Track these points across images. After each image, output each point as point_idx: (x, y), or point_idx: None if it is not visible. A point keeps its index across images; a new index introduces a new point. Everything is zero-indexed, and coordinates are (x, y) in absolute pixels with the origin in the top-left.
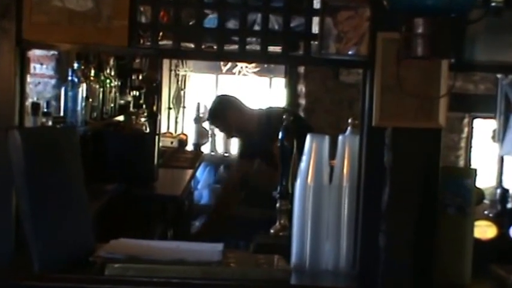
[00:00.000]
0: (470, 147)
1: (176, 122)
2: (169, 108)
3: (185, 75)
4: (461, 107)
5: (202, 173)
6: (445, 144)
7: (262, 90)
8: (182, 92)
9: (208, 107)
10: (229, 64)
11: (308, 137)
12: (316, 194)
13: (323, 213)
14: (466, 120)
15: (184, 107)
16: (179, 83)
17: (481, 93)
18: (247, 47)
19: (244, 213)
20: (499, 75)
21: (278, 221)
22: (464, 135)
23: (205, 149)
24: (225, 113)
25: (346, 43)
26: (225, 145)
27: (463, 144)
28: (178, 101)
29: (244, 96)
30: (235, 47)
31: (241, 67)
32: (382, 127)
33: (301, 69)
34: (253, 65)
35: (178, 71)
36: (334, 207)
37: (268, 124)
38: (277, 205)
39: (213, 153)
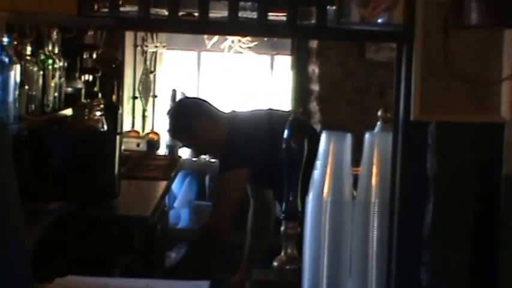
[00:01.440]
0: None
1: (144, 117)
2: (135, 98)
3: (156, 53)
4: None
5: (180, 186)
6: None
7: (261, 73)
8: (152, 76)
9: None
10: (216, 37)
11: (323, 136)
12: (335, 214)
13: (344, 239)
14: None
15: (154, 96)
16: (148, 63)
17: None
18: (240, 13)
19: (237, 238)
20: None
21: (283, 250)
22: None
23: (184, 153)
24: (190, 122)
25: (375, 8)
26: None
27: None
28: (146, 87)
29: (236, 81)
30: (224, 13)
31: (232, 41)
32: (423, 122)
33: (314, 43)
34: (248, 38)
35: (147, 46)
36: (360, 231)
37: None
38: (282, 228)
39: (194, 159)
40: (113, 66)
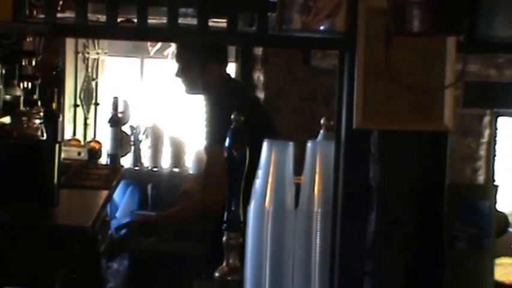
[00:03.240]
0: (494, 156)
1: (86, 125)
2: (76, 106)
3: (97, 60)
4: (481, 101)
5: (122, 196)
6: (458, 153)
7: None
8: (94, 83)
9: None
10: (160, 44)
11: (265, 144)
12: (277, 223)
13: (287, 249)
14: (486, 119)
15: (96, 104)
16: (89, 70)
17: (507, 81)
18: (182, 20)
19: (177, 249)
20: None
21: (225, 260)
22: (485, 139)
23: (126, 161)
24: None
25: (317, 14)
26: (154, 156)
27: (483, 152)
28: (88, 95)
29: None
30: (164, 20)
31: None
32: (366, 130)
33: (259, 50)
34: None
35: (88, 53)
36: (302, 241)
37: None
38: (224, 238)
39: (136, 168)
40: (53, 73)
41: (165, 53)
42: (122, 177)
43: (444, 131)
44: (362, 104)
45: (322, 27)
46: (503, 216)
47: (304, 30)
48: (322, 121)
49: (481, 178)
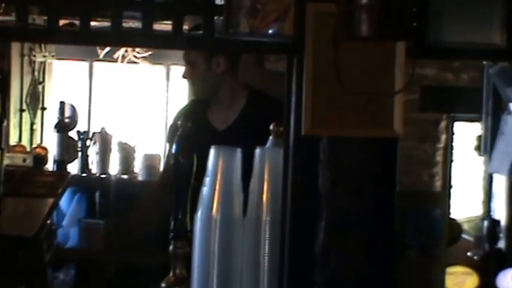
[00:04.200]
0: (451, 161)
1: (32, 131)
2: (22, 111)
3: (44, 63)
4: (437, 106)
5: (68, 203)
6: (414, 159)
7: (156, 84)
8: (40, 87)
9: None
10: (109, 47)
11: (212, 152)
12: (225, 232)
13: (235, 258)
14: (443, 124)
15: (43, 109)
16: (36, 73)
17: (463, 85)
18: (126, 24)
19: (125, 258)
20: (484, 62)
21: (172, 270)
22: (442, 144)
23: (73, 168)
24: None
25: (264, 18)
26: (102, 162)
27: (439, 157)
28: (34, 99)
29: (131, 92)
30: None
31: (126, 50)
32: (315, 136)
33: None
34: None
35: (35, 56)
36: (250, 250)
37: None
38: (171, 248)
39: (84, 175)
40: None
41: (115, 56)
42: (69, 184)
43: (394, 138)
44: (311, 110)
45: (270, 31)
46: (456, 224)
47: (252, 34)
48: (271, 127)
49: (438, 184)
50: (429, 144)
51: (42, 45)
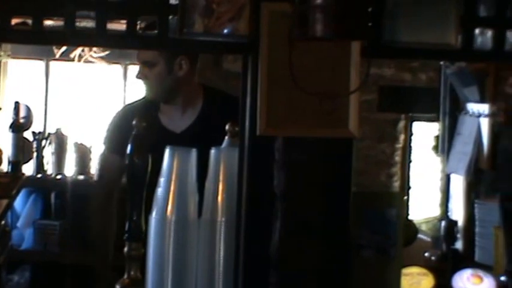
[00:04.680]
0: (409, 162)
1: None
2: None
3: (0, 62)
4: (395, 106)
5: (23, 204)
6: (373, 159)
7: (113, 84)
8: None
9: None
10: (65, 46)
11: (167, 152)
12: (180, 233)
13: (190, 260)
14: (401, 124)
15: None
16: None
17: (422, 85)
18: (79, 23)
19: (75, 259)
20: (442, 62)
21: (126, 272)
22: (400, 144)
23: (28, 169)
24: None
25: (219, 18)
26: (57, 163)
27: (398, 158)
28: None
29: (88, 92)
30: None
31: (83, 50)
32: (270, 137)
33: None
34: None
35: None
36: (206, 251)
37: None
38: (126, 250)
39: (39, 176)
40: None
41: (72, 55)
42: (23, 185)
43: (349, 138)
44: (265, 110)
45: (225, 31)
46: (412, 225)
47: (207, 34)
48: (227, 127)
49: (396, 184)
50: (387, 144)
51: None
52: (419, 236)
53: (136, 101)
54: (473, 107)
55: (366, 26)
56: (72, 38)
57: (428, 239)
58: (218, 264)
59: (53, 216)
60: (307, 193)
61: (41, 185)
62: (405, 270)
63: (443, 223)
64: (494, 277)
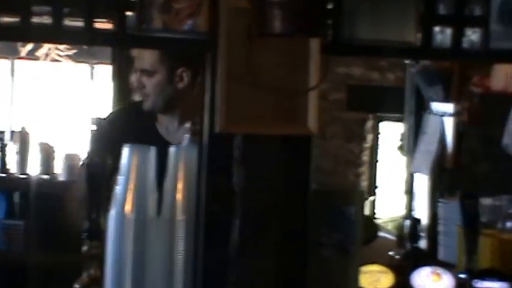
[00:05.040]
0: (377, 161)
1: None
2: None
3: None
4: (363, 105)
5: None
6: (341, 158)
7: (80, 83)
8: None
9: None
10: (32, 45)
11: (126, 150)
12: (139, 232)
13: (149, 258)
14: (369, 124)
15: None
16: None
17: (390, 85)
18: (37, 19)
19: (43, 259)
20: (407, 61)
21: (86, 271)
22: (368, 144)
23: None
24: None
25: (178, 14)
26: (21, 162)
27: (366, 157)
28: None
29: (54, 91)
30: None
31: (49, 49)
32: (229, 134)
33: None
34: (67, 46)
35: None
36: (165, 250)
37: None
38: (85, 248)
39: (3, 175)
40: None
41: (38, 54)
42: None
43: (308, 136)
44: (225, 108)
45: (186, 27)
46: (372, 223)
47: (166, 30)
48: (187, 125)
49: (364, 184)
50: (355, 143)
51: None
52: (385, 235)
53: (130, 105)
54: (437, 106)
55: (323, 23)
56: (26, 34)
57: (394, 238)
58: (177, 262)
59: (17, 216)
60: (266, 191)
61: (5, 185)
62: (365, 268)
63: (407, 222)
64: (453, 275)
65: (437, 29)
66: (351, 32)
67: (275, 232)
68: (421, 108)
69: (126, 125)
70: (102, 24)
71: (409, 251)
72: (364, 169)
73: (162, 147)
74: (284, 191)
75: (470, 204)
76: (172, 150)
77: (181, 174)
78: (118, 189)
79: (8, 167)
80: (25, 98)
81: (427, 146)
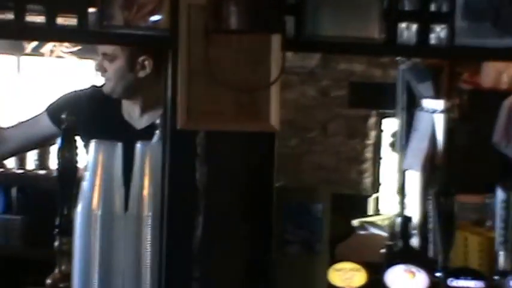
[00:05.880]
0: (380, 158)
1: None
2: None
3: None
4: (366, 102)
5: None
6: (343, 155)
7: (86, 79)
8: None
9: None
10: (37, 42)
11: (92, 145)
12: (106, 227)
13: (116, 254)
14: (372, 120)
15: None
16: None
17: (392, 81)
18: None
19: (38, 255)
20: (398, 58)
21: (58, 267)
22: (371, 141)
23: None
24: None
25: (139, 10)
26: (19, 157)
27: (369, 154)
28: None
29: (60, 87)
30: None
31: (54, 45)
32: (192, 131)
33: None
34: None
35: None
36: (133, 246)
37: None
38: (56, 244)
39: (1, 170)
40: None
41: (43, 51)
42: None
43: (271, 132)
44: (185, 104)
45: (146, 24)
46: (345, 221)
47: (127, 27)
48: (157, 121)
49: (367, 181)
50: (358, 140)
51: None
52: (381, 232)
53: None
54: (428, 103)
55: (280, 19)
56: None
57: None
58: (144, 259)
59: (14, 211)
60: (230, 187)
61: (2, 180)
62: (337, 266)
63: (398, 220)
64: (427, 273)
65: (404, 25)
66: (313, 28)
67: (240, 229)
68: (413, 105)
69: (90, 107)
70: (66, 20)
71: (401, 250)
72: (368, 166)
73: (125, 131)
74: (248, 187)
75: (445, 201)
76: (138, 146)
77: (147, 170)
78: (84, 184)
79: (5, 162)
80: (32, 94)
81: (419, 143)
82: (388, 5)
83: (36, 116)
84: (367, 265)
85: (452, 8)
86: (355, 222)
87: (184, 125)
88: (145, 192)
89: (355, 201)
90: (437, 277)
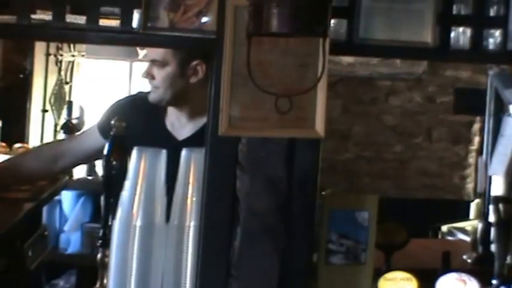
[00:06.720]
0: None
1: (56, 131)
2: (45, 111)
3: (72, 62)
4: (470, 108)
5: (72, 207)
6: (446, 161)
7: None
8: (67, 87)
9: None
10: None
11: (134, 152)
12: (145, 239)
13: (155, 267)
14: (476, 126)
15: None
16: (62, 73)
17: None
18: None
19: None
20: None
21: (99, 279)
22: (475, 146)
23: (79, 171)
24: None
25: (186, 12)
26: None
27: (472, 159)
28: (59, 100)
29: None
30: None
31: None
32: (233, 137)
33: None
34: None
35: (62, 55)
36: (173, 259)
37: None
38: (99, 256)
39: (90, 178)
40: (21, 76)
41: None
42: (61, 187)
43: (317, 139)
44: (228, 110)
45: (192, 26)
46: (401, 229)
47: (172, 29)
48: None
49: (469, 186)
50: (461, 146)
51: (71, 45)
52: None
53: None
54: None
55: (323, 22)
56: (28, 31)
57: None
58: (185, 271)
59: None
60: (272, 196)
61: (92, 188)
62: (388, 275)
63: (480, 225)
64: (478, 281)
65: (460, 30)
66: (365, 32)
67: (280, 239)
68: (501, 111)
69: (134, 115)
70: (108, 22)
71: (481, 256)
72: (470, 172)
73: (166, 142)
74: (289, 196)
75: (504, 208)
76: (183, 153)
77: (191, 179)
78: (124, 195)
79: (95, 169)
80: None
81: (504, 149)
82: (442, 9)
83: (87, 130)
84: (421, 272)
85: (506, 12)
86: (444, 228)
87: (225, 132)
88: (189, 201)
89: (457, 207)
90: (493, 285)
